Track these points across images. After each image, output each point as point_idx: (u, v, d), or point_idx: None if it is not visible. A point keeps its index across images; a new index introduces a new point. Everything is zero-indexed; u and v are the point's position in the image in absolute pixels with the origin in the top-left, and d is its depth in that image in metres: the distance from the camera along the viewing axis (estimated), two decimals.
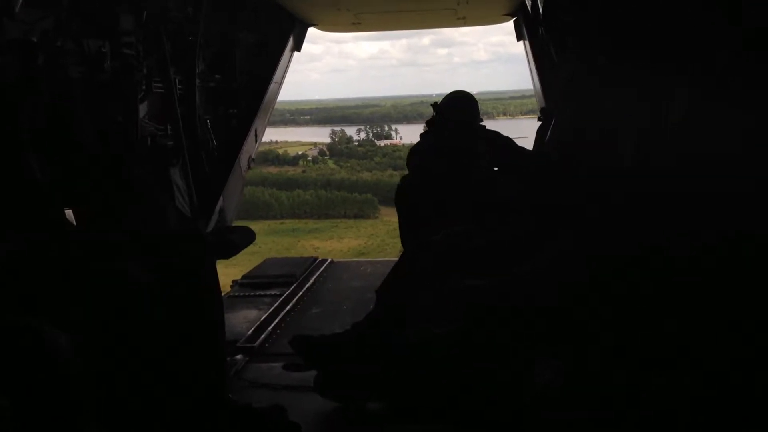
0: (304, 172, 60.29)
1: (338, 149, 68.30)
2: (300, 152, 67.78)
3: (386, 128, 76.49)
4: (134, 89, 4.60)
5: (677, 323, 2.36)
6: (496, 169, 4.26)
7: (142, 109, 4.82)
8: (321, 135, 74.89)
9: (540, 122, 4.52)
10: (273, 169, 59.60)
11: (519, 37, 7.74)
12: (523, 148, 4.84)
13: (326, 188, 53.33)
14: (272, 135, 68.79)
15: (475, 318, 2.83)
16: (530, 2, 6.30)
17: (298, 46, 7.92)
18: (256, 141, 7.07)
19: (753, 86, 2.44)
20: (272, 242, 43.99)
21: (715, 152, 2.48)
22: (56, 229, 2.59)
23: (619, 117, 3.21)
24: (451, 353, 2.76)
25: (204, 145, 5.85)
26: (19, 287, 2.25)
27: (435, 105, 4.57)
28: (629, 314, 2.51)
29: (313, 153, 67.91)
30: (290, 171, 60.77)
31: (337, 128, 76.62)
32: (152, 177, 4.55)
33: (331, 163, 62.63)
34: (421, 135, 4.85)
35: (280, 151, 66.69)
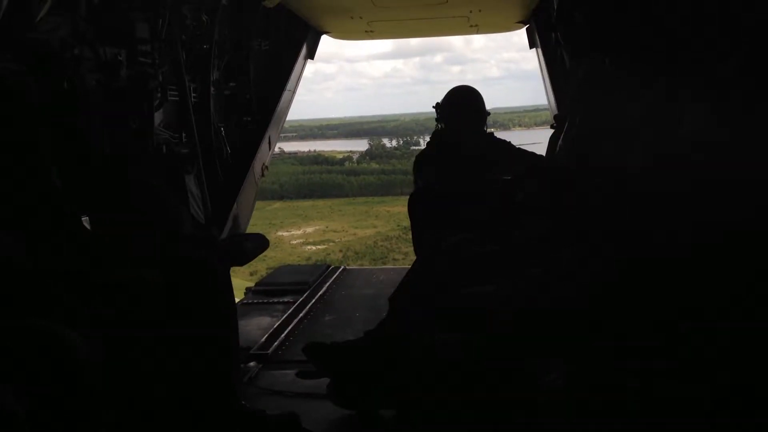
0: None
1: (377, 153, 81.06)
2: (345, 155, 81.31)
3: (414, 137, 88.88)
4: (150, 97, 4.63)
5: (687, 327, 2.35)
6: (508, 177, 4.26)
7: (158, 117, 4.86)
8: (352, 146, 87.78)
9: (553, 129, 4.51)
10: (327, 167, 74.92)
11: (531, 45, 7.73)
12: (534, 154, 4.84)
13: (384, 174, 68.45)
14: (309, 146, 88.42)
15: (488, 324, 2.82)
16: (544, 9, 6.29)
17: (311, 54, 7.95)
18: (269, 148, 7.09)
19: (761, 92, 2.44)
20: (352, 209, 59.75)
21: (726, 155, 2.48)
22: (72, 235, 2.62)
23: (629, 121, 3.21)
24: (464, 359, 2.76)
25: (218, 153, 5.88)
26: (34, 291, 2.27)
27: (437, 104, 4.63)
28: (639, 317, 2.50)
29: (355, 156, 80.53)
30: (340, 168, 74.79)
31: (374, 138, 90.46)
32: (167, 185, 4.57)
33: (374, 164, 75.37)
34: (428, 143, 4.87)
35: (327, 155, 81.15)
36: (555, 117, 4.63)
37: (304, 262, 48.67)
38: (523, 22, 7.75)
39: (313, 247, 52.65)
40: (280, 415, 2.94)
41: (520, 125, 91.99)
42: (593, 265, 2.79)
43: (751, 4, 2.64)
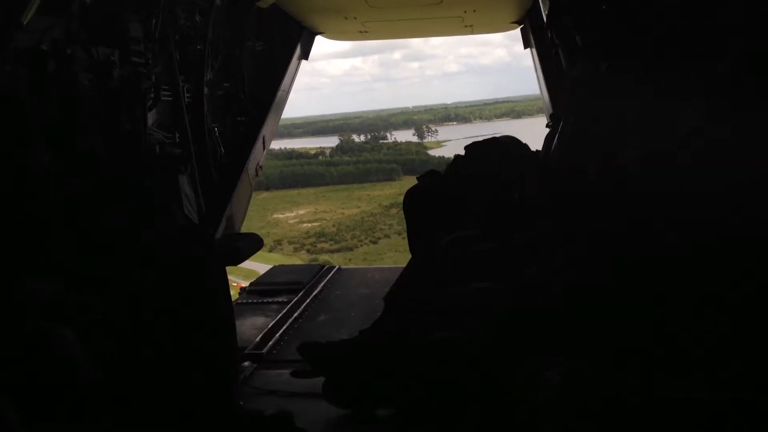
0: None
1: (347, 148, 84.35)
2: (317, 151, 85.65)
3: (381, 132, 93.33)
4: (143, 97, 4.62)
5: (686, 327, 2.35)
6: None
7: (151, 117, 4.84)
8: (321, 142, 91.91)
9: (549, 128, 4.51)
10: (306, 160, 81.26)
11: (526, 45, 7.75)
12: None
13: (360, 163, 74.24)
14: (279, 144, 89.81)
15: (485, 322, 2.81)
16: (539, 9, 6.31)
17: (305, 55, 7.96)
18: (263, 148, 7.09)
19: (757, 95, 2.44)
20: (336, 194, 66.15)
21: (722, 154, 2.48)
22: (67, 234, 2.60)
23: (624, 119, 3.21)
24: (461, 358, 2.75)
25: (212, 153, 5.87)
26: (30, 292, 2.26)
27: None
28: (638, 317, 2.50)
29: (327, 151, 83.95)
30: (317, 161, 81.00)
31: (344, 133, 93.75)
32: (160, 185, 4.56)
33: (345, 157, 79.46)
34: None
35: (300, 151, 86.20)
36: (550, 116, 4.63)
37: (303, 236, 54.40)
38: (517, 22, 7.77)
39: (309, 224, 58.55)
40: (274, 414, 2.93)
41: (480, 118, 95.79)
42: (590, 264, 2.79)
43: (746, 2, 2.65)
